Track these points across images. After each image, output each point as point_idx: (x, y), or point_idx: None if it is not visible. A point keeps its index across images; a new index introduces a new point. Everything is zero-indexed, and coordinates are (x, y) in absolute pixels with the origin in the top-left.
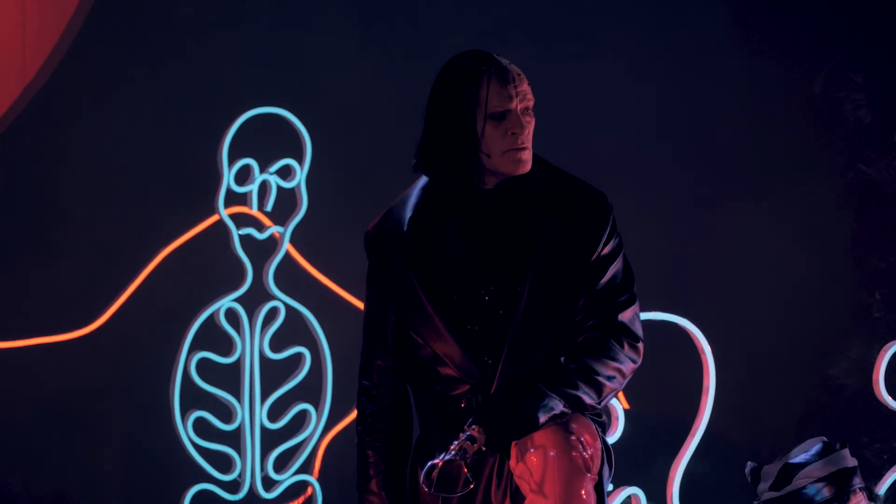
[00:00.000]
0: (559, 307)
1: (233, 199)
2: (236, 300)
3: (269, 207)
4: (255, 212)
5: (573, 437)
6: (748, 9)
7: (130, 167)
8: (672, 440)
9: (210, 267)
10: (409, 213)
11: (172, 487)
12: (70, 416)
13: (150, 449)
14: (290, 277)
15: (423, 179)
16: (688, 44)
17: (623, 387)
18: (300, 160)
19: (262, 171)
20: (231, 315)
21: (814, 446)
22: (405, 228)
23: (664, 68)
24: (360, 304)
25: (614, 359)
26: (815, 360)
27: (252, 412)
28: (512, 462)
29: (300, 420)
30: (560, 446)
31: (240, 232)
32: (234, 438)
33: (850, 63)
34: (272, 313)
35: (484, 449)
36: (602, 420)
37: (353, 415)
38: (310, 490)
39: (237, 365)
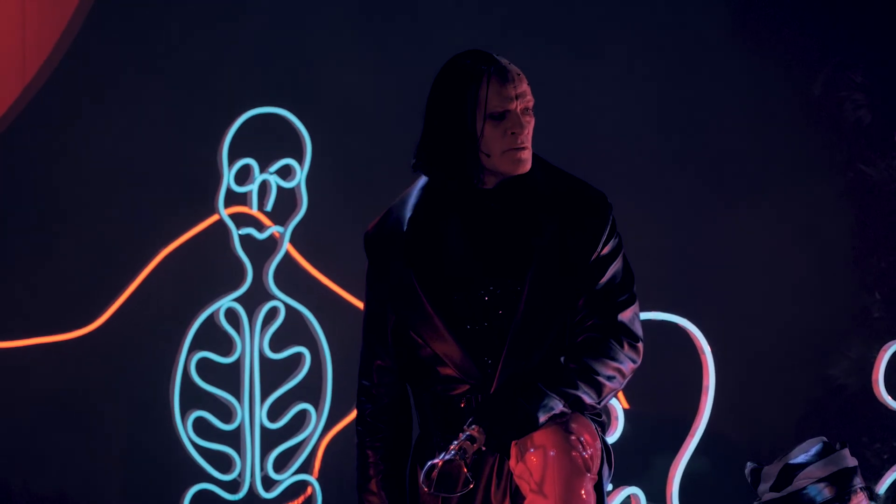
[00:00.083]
0: (559, 307)
1: (233, 198)
2: (236, 300)
3: (269, 207)
4: (255, 212)
5: (573, 437)
6: (748, 9)
7: (130, 167)
8: (672, 440)
9: (210, 267)
10: (408, 213)
11: (172, 487)
12: (70, 416)
13: (150, 449)
14: (290, 277)
15: (423, 179)
16: (688, 44)
17: (623, 387)
18: (300, 160)
19: (262, 170)
20: (231, 315)
21: (814, 447)
22: (405, 228)
23: (664, 68)
24: (360, 304)
25: (614, 359)
26: (815, 360)
27: (252, 412)
28: (512, 462)
29: (300, 420)
30: (560, 446)
31: (240, 232)
32: (234, 438)
33: (850, 63)
34: (272, 313)
35: (484, 449)
36: (602, 420)
37: (353, 415)
38: (309, 490)
39: (237, 365)
